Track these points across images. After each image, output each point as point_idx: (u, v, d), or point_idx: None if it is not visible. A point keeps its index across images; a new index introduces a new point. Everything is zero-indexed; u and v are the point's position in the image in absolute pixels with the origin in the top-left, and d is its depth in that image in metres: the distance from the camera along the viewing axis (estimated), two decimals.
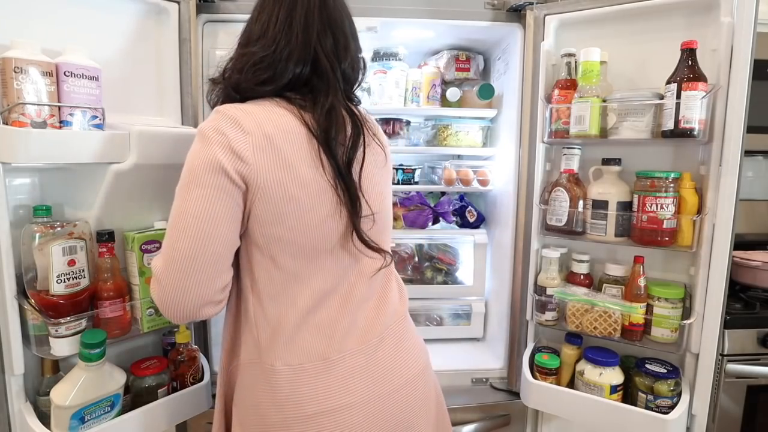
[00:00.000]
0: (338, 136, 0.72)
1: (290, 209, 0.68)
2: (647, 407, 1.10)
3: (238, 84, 0.73)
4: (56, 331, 0.88)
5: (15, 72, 0.80)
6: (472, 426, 1.27)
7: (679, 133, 1.02)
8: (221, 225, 0.66)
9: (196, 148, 0.67)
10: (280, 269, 0.72)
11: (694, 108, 1.00)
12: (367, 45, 1.48)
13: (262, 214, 0.68)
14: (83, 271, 0.91)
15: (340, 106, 0.74)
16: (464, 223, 1.61)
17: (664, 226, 1.07)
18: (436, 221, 1.61)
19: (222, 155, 0.64)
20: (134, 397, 1.01)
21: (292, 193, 0.67)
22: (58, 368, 0.96)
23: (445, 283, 1.59)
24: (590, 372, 1.16)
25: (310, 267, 0.73)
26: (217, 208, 0.65)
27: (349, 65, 0.79)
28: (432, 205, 1.60)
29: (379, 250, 0.77)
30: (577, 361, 1.22)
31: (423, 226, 1.56)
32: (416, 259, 1.59)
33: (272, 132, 0.67)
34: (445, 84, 1.56)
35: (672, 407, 1.08)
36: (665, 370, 1.11)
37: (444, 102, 1.54)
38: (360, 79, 0.83)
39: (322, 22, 0.74)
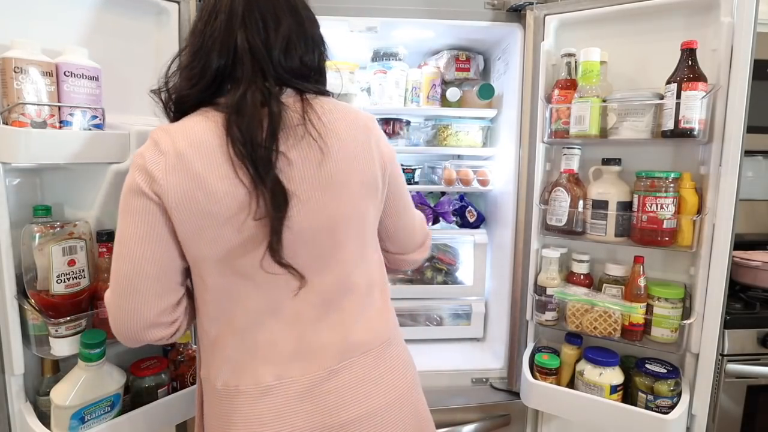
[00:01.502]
0: (253, 134, 0.63)
1: (207, 225, 0.64)
2: (647, 407, 1.10)
3: (175, 92, 0.70)
4: (56, 331, 0.88)
5: (15, 72, 0.80)
6: (472, 426, 1.27)
7: (679, 133, 1.02)
8: (151, 245, 0.65)
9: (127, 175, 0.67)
10: (209, 289, 0.68)
11: (694, 108, 1.00)
12: (367, 45, 1.49)
13: (182, 233, 0.65)
14: (83, 271, 0.91)
15: (256, 96, 0.64)
16: (464, 223, 1.61)
17: (664, 226, 1.07)
18: (436, 221, 1.61)
19: (139, 178, 0.63)
20: (134, 397, 1.01)
21: (207, 209, 0.63)
22: (58, 368, 0.96)
23: (445, 283, 1.59)
24: (590, 372, 1.16)
25: (241, 285, 0.67)
26: (143, 229, 0.64)
27: (281, 50, 0.67)
28: (432, 205, 1.61)
29: (287, 266, 0.65)
30: (577, 361, 1.22)
31: None
32: None
33: (183, 148, 0.63)
34: (445, 84, 1.56)
35: (672, 407, 1.08)
36: (665, 370, 1.11)
37: (444, 102, 1.54)
38: (314, 64, 0.72)
39: (248, 4, 0.67)
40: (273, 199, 0.63)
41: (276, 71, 0.67)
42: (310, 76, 0.72)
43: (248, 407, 0.67)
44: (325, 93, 0.74)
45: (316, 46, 0.73)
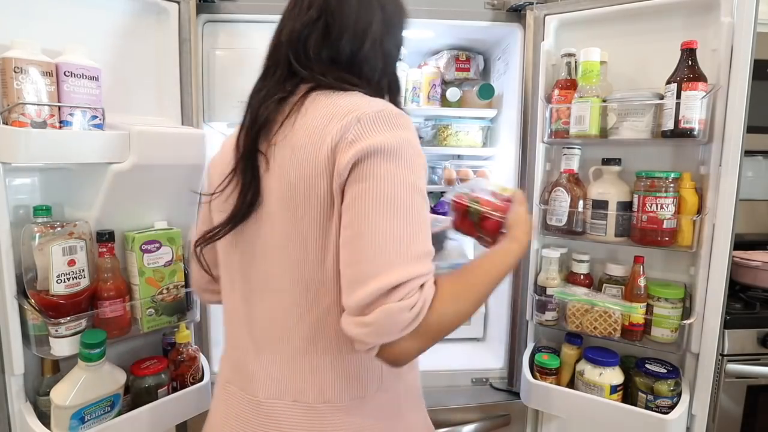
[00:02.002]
0: (249, 125, 0.64)
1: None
2: (647, 407, 1.10)
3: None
4: (56, 331, 0.88)
5: (15, 72, 0.80)
6: (472, 426, 1.27)
7: (679, 133, 1.01)
8: None
9: None
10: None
11: (694, 108, 1.00)
12: None
13: None
14: (83, 271, 0.91)
15: (268, 91, 0.65)
16: None
17: (664, 226, 1.07)
18: None
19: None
20: (134, 397, 1.01)
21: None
22: (58, 368, 0.96)
23: None
24: (590, 372, 1.16)
25: (222, 276, 0.74)
26: None
27: (308, 42, 0.65)
28: (432, 205, 1.61)
29: (209, 272, 0.72)
30: (577, 361, 1.22)
31: None
32: None
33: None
34: (445, 84, 1.56)
35: (672, 407, 1.08)
36: (665, 370, 1.11)
37: (444, 102, 1.54)
38: (346, 54, 0.66)
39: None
40: (242, 179, 0.63)
41: (299, 63, 0.64)
42: (342, 65, 0.65)
43: (212, 406, 0.76)
44: (342, 86, 0.63)
45: (357, 36, 0.65)
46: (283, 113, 0.62)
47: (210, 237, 0.66)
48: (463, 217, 0.81)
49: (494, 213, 0.76)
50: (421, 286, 0.54)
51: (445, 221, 0.85)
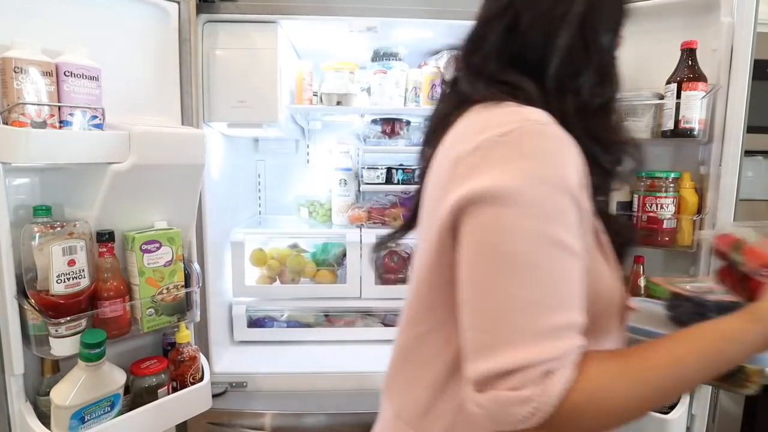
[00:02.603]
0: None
1: None
2: None
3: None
4: (56, 331, 0.88)
5: (15, 72, 0.80)
6: None
7: (679, 133, 1.02)
8: None
9: None
10: None
11: (694, 108, 1.00)
12: (367, 45, 1.48)
13: None
14: (83, 271, 0.90)
15: (447, 112, 0.57)
16: None
17: (664, 226, 1.07)
18: None
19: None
20: (134, 397, 1.01)
21: None
22: (58, 368, 0.96)
23: None
24: None
25: None
26: None
27: (480, 54, 0.56)
28: None
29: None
30: None
31: None
32: None
33: None
34: (446, 84, 1.55)
35: (672, 407, 1.08)
36: None
37: None
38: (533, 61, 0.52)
39: None
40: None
41: (470, 77, 0.56)
42: (523, 67, 0.52)
43: None
44: (505, 96, 0.50)
45: (553, 24, 0.51)
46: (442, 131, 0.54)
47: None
48: (727, 267, 0.60)
49: (762, 272, 0.53)
50: (548, 372, 0.40)
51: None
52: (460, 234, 0.46)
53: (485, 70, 0.54)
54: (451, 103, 0.56)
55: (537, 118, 0.45)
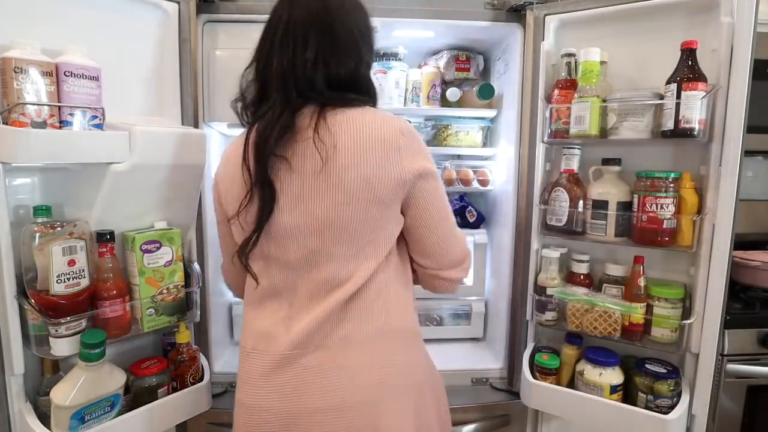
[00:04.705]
0: (266, 140, 0.72)
1: (230, 223, 0.81)
2: (647, 407, 1.10)
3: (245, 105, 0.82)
4: (56, 331, 0.88)
5: (15, 72, 0.80)
6: (472, 426, 1.27)
7: (679, 133, 1.01)
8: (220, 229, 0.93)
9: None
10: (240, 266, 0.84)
11: (694, 108, 1.00)
12: None
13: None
14: (83, 271, 0.91)
15: (276, 110, 0.73)
16: (464, 223, 1.61)
17: (664, 226, 1.07)
18: None
19: (214, 189, 0.89)
20: (134, 397, 1.01)
21: (227, 212, 0.81)
22: (58, 368, 0.96)
23: None
24: (590, 372, 1.16)
25: (255, 268, 0.82)
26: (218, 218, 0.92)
27: (306, 70, 0.74)
28: None
29: (247, 267, 0.80)
30: (577, 361, 1.22)
31: None
32: None
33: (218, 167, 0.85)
34: (445, 84, 1.56)
35: (672, 407, 1.08)
36: (665, 370, 1.11)
37: (444, 102, 1.54)
38: (347, 75, 0.77)
39: (285, 32, 0.76)
40: (261, 195, 0.73)
41: (298, 89, 0.74)
42: (343, 87, 0.76)
43: (241, 364, 0.81)
44: (355, 102, 0.76)
45: (351, 57, 0.76)
46: (303, 123, 0.73)
47: (242, 248, 0.78)
48: None
49: None
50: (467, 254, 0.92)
51: None
52: (421, 189, 0.77)
53: (319, 93, 0.75)
54: (293, 106, 0.76)
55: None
